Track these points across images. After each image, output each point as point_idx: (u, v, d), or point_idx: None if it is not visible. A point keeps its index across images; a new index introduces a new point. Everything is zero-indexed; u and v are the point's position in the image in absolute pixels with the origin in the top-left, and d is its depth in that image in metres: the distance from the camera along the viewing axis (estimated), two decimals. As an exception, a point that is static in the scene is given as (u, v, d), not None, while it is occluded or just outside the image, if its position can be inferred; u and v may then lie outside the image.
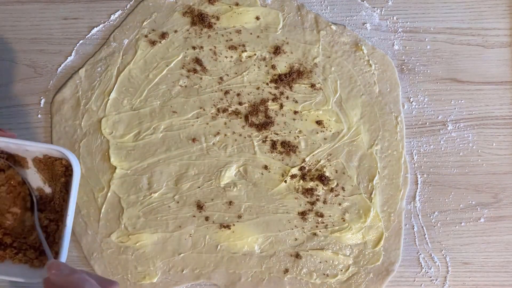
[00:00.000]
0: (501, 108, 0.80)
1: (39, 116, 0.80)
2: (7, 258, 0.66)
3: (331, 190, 0.78)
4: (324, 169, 0.78)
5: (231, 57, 0.80)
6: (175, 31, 0.81)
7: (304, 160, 0.79)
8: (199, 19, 0.80)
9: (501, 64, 0.80)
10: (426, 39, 0.81)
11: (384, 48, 0.81)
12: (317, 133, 0.79)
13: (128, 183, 0.78)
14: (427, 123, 0.80)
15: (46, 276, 0.60)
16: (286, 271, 0.77)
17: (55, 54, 0.81)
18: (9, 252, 0.66)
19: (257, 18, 0.81)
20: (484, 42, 0.81)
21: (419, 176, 0.79)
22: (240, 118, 0.79)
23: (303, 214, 0.78)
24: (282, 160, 0.79)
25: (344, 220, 0.78)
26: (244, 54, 0.80)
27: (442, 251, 0.78)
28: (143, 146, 0.79)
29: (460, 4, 0.81)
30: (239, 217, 0.78)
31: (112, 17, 0.81)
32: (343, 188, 0.78)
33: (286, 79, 0.79)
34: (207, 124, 0.79)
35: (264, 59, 0.80)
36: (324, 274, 0.77)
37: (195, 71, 0.80)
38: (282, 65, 0.80)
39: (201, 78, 0.80)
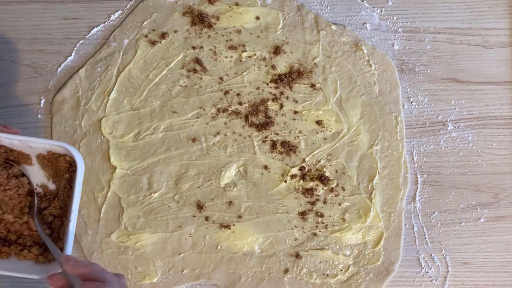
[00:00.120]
0: (501, 108, 0.80)
1: (39, 116, 0.80)
2: (12, 254, 0.67)
3: (331, 190, 0.78)
4: (324, 169, 0.78)
5: (231, 57, 0.80)
6: (175, 31, 0.81)
7: (304, 160, 0.79)
8: (199, 19, 0.80)
9: (501, 64, 0.80)
10: (426, 39, 0.81)
11: (384, 48, 0.81)
12: (317, 133, 0.79)
13: (128, 183, 0.78)
14: (427, 123, 0.80)
15: (51, 273, 0.60)
16: (286, 271, 0.77)
17: (55, 54, 0.81)
18: (14, 249, 0.66)
19: (257, 18, 0.81)
20: (484, 42, 0.81)
21: (419, 176, 0.79)
22: (240, 118, 0.79)
23: (303, 214, 0.78)
24: (282, 160, 0.79)
25: (344, 220, 0.78)
26: (244, 54, 0.80)
27: (442, 251, 0.78)
28: (143, 146, 0.79)
29: (460, 4, 0.81)
30: (239, 217, 0.78)
31: (112, 17, 0.81)
32: (343, 188, 0.78)
33: (286, 79, 0.79)
34: (207, 124, 0.79)
35: (264, 59, 0.80)
36: (324, 274, 0.77)
37: (195, 71, 0.80)
38: (282, 65, 0.80)
39: (201, 78, 0.80)
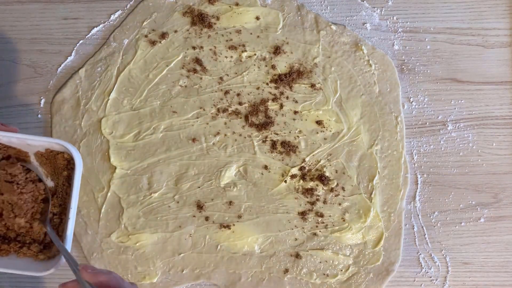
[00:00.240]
0: (501, 108, 0.80)
1: (39, 116, 0.80)
2: (12, 252, 0.67)
3: (331, 190, 0.78)
4: (324, 169, 0.78)
5: (231, 57, 0.80)
6: (175, 31, 0.81)
7: (304, 160, 0.79)
8: (199, 19, 0.80)
9: (501, 64, 0.80)
10: (426, 39, 0.81)
11: (384, 48, 0.81)
12: (317, 133, 0.79)
13: (128, 183, 0.78)
14: (427, 123, 0.80)
15: (50, 271, 0.61)
16: (286, 271, 0.77)
17: (55, 54, 0.81)
18: (14, 246, 0.66)
19: (257, 18, 0.81)
20: (484, 42, 0.81)
21: (419, 176, 0.79)
22: (240, 118, 0.79)
23: (303, 214, 0.78)
24: (282, 160, 0.79)
25: (344, 220, 0.78)
26: (244, 54, 0.80)
27: (442, 251, 0.78)
28: (143, 146, 0.79)
29: (460, 4, 0.81)
30: (239, 217, 0.78)
31: (112, 17, 0.81)
32: (343, 188, 0.78)
33: (286, 79, 0.79)
34: (207, 124, 0.79)
35: (264, 59, 0.80)
36: (324, 274, 0.77)
37: (195, 71, 0.80)
38: (282, 65, 0.80)
39: (201, 78, 0.80)
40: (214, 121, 0.79)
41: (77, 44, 0.81)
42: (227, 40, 0.80)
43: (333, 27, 0.80)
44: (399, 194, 0.78)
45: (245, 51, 0.80)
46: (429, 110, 0.80)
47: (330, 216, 0.78)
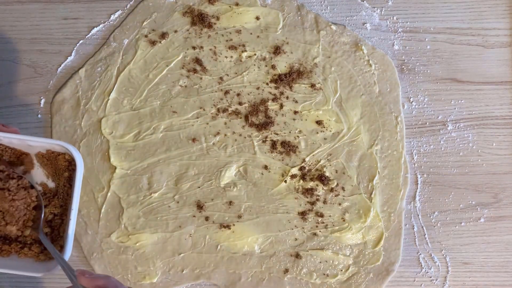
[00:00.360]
0: (501, 108, 0.80)
1: (39, 116, 0.80)
2: (13, 252, 0.67)
3: (331, 190, 0.78)
4: (324, 169, 0.78)
5: (231, 57, 0.80)
6: (175, 31, 0.81)
7: (304, 160, 0.79)
8: (199, 19, 0.80)
9: (501, 64, 0.80)
10: (426, 39, 0.81)
11: (384, 48, 0.81)
12: (317, 133, 0.79)
13: (128, 183, 0.78)
14: (427, 123, 0.80)
15: (51, 272, 0.61)
16: (286, 271, 0.77)
17: (55, 54, 0.81)
18: (15, 247, 0.66)
19: (257, 18, 0.81)
20: (484, 42, 0.81)
21: (419, 176, 0.79)
22: (240, 118, 0.79)
23: (303, 214, 0.78)
24: (282, 160, 0.79)
25: (344, 220, 0.78)
26: (244, 54, 0.80)
27: (442, 251, 0.78)
28: (143, 146, 0.79)
29: (460, 4, 0.81)
30: (239, 217, 0.78)
31: (112, 17, 0.81)
32: (343, 188, 0.78)
33: (286, 79, 0.79)
34: (207, 124, 0.79)
35: (264, 59, 0.80)
36: (324, 274, 0.77)
37: (195, 71, 0.80)
38: (282, 65, 0.80)
39: (201, 78, 0.80)
40: (214, 121, 0.79)
41: (77, 44, 0.81)
42: (227, 40, 0.80)
43: (333, 27, 0.80)
44: (399, 194, 0.78)
45: (245, 51, 0.80)
46: (429, 110, 0.80)
47: (330, 216, 0.78)
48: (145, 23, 0.81)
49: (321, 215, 0.78)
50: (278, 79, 0.79)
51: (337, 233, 0.77)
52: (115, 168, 0.78)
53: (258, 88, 0.80)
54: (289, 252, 0.78)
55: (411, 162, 0.79)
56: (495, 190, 0.79)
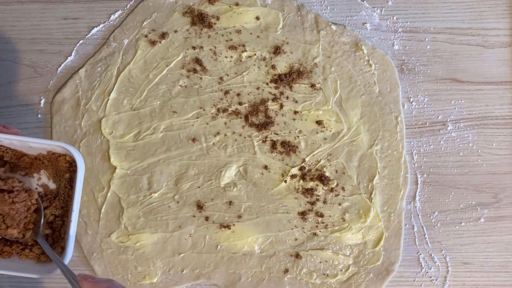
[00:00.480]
0: (501, 108, 0.80)
1: (39, 116, 0.80)
2: (14, 254, 0.66)
3: (331, 190, 0.78)
4: (324, 169, 0.78)
5: (231, 57, 0.80)
6: (175, 31, 0.81)
7: (304, 160, 0.79)
8: (199, 19, 0.80)
9: (501, 64, 0.80)
10: (426, 39, 0.81)
11: (384, 48, 0.81)
12: (317, 133, 0.79)
13: (128, 183, 0.78)
14: (427, 123, 0.80)
15: (51, 273, 0.60)
16: (286, 271, 0.77)
17: (55, 54, 0.81)
18: (16, 248, 0.66)
19: (257, 18, 0.81)
20: (484, 42, 0.81)
21: (419, 176, 0.79)
22: (240, 118, 0.79)
23: (303, 214, 0.78)
24: (282, 160, 0.79)
25: (344, 220, 0.78)
26: (244, 54, 0.80)
27: (442, 251, 0.78)
28: (143, 146, 0.79)
29: (460, 4, 0.81)
30: (239, 217, 0.78)
31: (112, 17, 0.81)
32: (343, 188, 0.78)
33: (286, 79, 0.79)
34: (207, 124, 0.79)
35: (264, 59, 0.80)
36: (324, 274, 0.77)
37: (195, 71, 0.80)
38: (282, 65, 0.80)
39: (201, 78, 0.80)
40: (214, 121, 0.79)
41: (77, 44, 0.81)
42: (227, 40, 0.80)
43: (333, 27, 0.80)
44: (399, 194, 0.78)
45: (245, 51, 0.80)
46: (429, 110, 0.80)
47: (330, 216, 0.78)
48: (145, 23, 0.81)
49: (321, 215, 0.78)
50: (278, 79, 0.79)
51: (337, 233, 0.77)
52: (115, 168, 0.78)
53: (258, 88, 0.80)
54: (289, 252, 0.78)
55: (411, 162, 0.79)
56: (495, 190, 0.79)
